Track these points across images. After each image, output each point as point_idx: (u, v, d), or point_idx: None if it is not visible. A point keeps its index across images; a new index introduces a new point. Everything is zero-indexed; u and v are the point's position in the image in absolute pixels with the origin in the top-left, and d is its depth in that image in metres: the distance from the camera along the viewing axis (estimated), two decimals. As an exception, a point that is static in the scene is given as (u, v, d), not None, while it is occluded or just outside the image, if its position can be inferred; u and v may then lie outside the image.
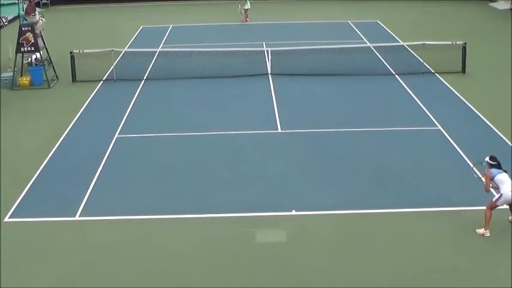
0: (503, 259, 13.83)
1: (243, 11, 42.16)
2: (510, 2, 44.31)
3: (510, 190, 14.56)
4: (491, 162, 14.95)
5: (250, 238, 14.95)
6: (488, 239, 14.56)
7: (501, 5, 45.61)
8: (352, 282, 13.13)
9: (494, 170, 14.82)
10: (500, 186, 14.70)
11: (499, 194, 14.70)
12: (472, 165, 16.48)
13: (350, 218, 15.76)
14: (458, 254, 14.11)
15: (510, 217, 15.30)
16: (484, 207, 14.94)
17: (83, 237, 15.14)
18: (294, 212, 16.07)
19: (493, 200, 14.86)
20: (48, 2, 49.56)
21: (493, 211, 14.80)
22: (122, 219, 15.94)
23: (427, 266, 13.65)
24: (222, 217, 15.91)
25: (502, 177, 14.72)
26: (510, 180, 14.70)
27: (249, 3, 42.21)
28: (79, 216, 16.10)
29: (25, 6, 28.49)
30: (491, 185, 14.84)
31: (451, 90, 25.81)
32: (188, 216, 16.01)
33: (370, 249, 14.35)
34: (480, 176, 15.71)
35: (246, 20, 42.10)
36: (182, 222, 15.77)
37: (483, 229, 14.82)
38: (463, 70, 28.34)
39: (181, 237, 15.04)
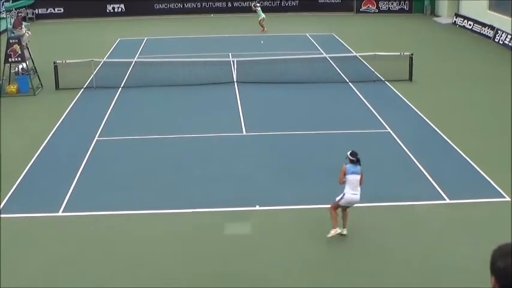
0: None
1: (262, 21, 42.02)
2: (452, 17, 44.88)
3: (351, 192, 13.84)
4: (351, 158, 13.95)
5: (219, 230, 15.01)
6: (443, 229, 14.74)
7: (444, 20, 46.26)
8: (309, 267, 13.29)
9: (349, 167, 13.89)
10: (346, 186, 13.90)
11: (342, 194, 13.99)
12: None
13: (308, 212, 15.87)
14: (412, 243, 14.32)
15: (340, 230, 14.28)
16: (426, 202, 15.06)
17: (65, 231, 15.08)
18: (258, 207, 16.15)
19: (336, 199, 14.13)
20: (34, 16, 48.98)
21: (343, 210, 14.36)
22: (101, 214, 15.91)
23: (378, 251, 13.85)
24: (194, 212, 15.94)
25: (351, 177, 13.82)
26: (358, 182, 13.88)
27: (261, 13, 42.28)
28: (62, 212, 16.01)
29: (12, 20, 28.18)
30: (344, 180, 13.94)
31: (399, 96, 26.05)
32: (163, 211, 16.03)
33: (326, 239, 14.45)
34: None
35: (263, 30, 42.08)
36: (157, 216, 15.78)
37: (333, 230, 14.13)
38: (410, 78, 28.59)
39: (156, 231, 15.04)
